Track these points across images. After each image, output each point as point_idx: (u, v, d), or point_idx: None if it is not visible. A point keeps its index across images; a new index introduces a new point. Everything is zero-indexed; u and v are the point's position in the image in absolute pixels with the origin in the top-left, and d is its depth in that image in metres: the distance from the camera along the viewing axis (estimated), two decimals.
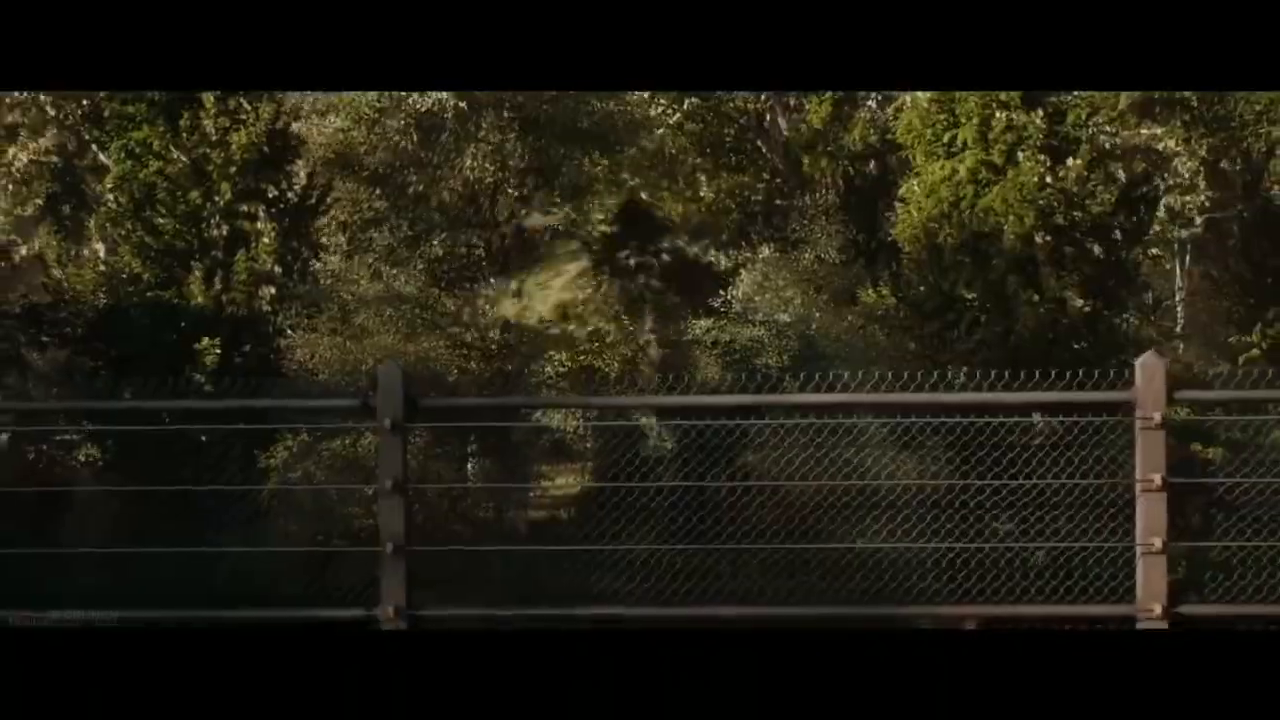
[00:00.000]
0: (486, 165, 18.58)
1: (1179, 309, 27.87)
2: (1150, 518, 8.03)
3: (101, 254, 16.37)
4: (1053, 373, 8.80)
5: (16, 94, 17.36)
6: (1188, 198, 18.58)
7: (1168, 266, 27.67)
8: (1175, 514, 8.13)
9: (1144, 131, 17.81)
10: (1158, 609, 8.04)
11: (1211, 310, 24.00)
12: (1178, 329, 26.60)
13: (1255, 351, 16.49)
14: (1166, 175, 18.41)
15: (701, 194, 19.30)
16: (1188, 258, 25.14)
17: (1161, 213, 18.29)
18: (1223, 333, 20.93)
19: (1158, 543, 8.02)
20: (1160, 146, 18.01)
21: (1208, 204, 19.01)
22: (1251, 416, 9.30)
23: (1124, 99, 17.67)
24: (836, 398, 8.96)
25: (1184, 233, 23.88)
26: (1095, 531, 8.83)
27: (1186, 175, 18.35)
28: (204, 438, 15.46)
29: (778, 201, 18.40)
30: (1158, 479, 8.02)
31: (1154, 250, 15.92)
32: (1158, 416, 7.99)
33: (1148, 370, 8.13)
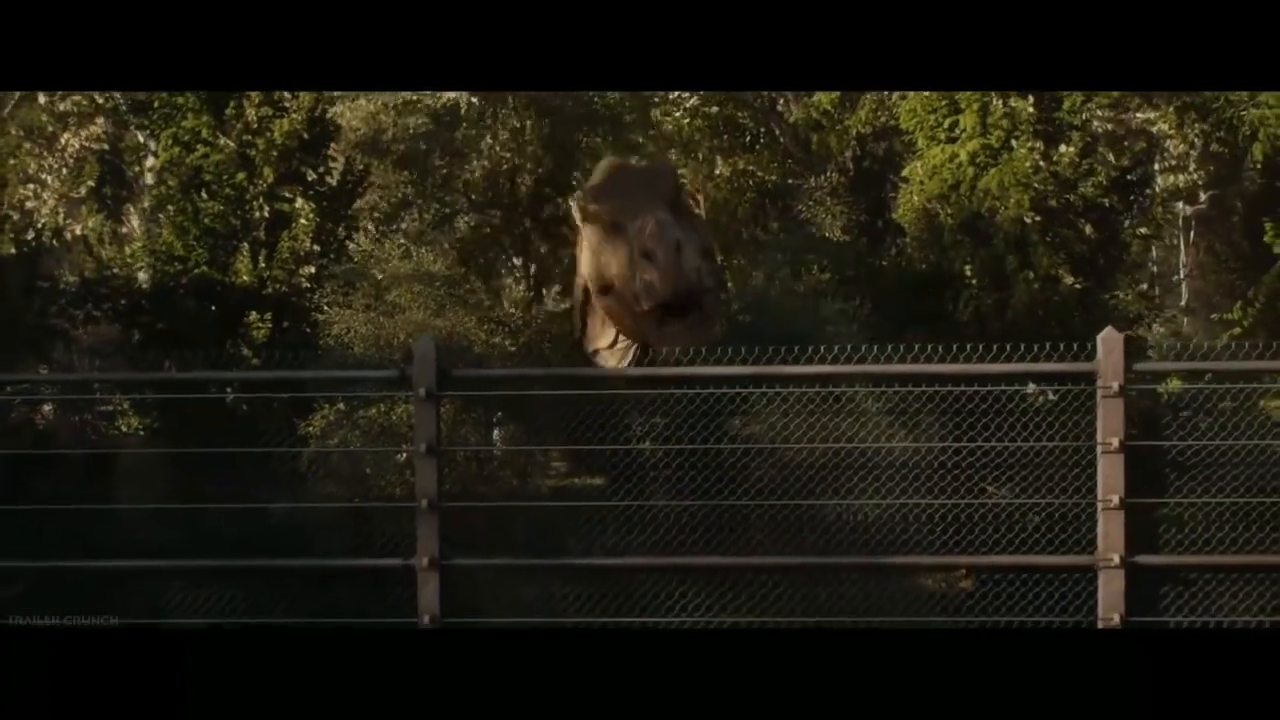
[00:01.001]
0: (505, 151, 19.24)
1: (1183, 285, 28.55)
2: (1109, 476, 8.88)
3: (149, 235, 17.08)
4: (1034, 346, 9.59)
5: None
6: (1178, 178, 19.21)
7: (1172, 243, 28.33)
8: (1134, 473, 8.96)
9: (1139, 116, 18.48)
10: (1116, 558, 8.89)
11: (1217, 285, 24.62)
12: (1183, 303, 27.27)
13: (1237, 329, 17.16)
14: (1160, 157, 19.09)
15: (717, 172, 19.98)
16: (1192, 234, 25.76)
17: (1155, 192, 18.99)
18: (1222, 307, 21.58)
19: (1115, 499, 8.87)
20: (1154, 130, 18.69)
21: (1199, 183, 19.63)
22: (1219, 385, 10.10)
23: None
24: (829, 369, 9.81)
25: (1189, 209, 24.51)
26: (1062, 489, 9.64)
27: (1176, 158, 19.04)
28: (245, 406, 16.33)
29: (790, 181, 19.08)
30: (1115, 441, 8.88)
31: (1142, 230, 16.52)
32: (1115, 385, 8.85)
33: (1107, 344, 8.99)
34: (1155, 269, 29.79)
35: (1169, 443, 9.41)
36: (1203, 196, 22.90)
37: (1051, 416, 10.04)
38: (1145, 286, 25.58)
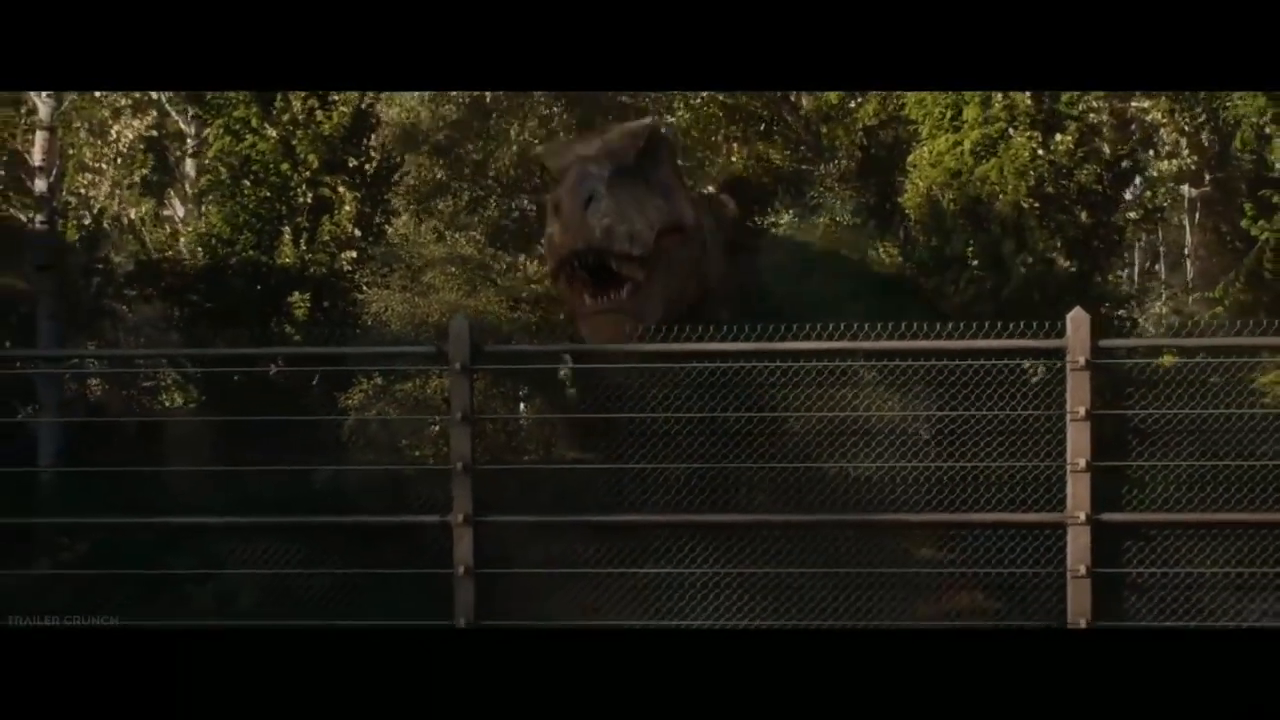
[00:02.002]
0: (534, 139, 19.96)
1: (1188, 264, 29.17)
2: (1076, 442, 9.72)
3: (199, 219, 17.86)
4: (1023, 324, 10.39)
5: None
6: (1172, 164, 19.84)
7: (1179, 223, 28.93)
8: (1099, 439, 9.78)
9: (1134, 105, 19.14)
10: (1082, 516, 9.73)
11: (1220, 265, 25.26)
12: (1189, 281, 27.89)
13: (1219, 308, 17.87)
14: (1154, 145, 19.74)
15: (733, 159, 20.66)
16: (1197, 215, 26.38)
17: (1144, 179, 19.65)
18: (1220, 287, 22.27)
19: (1082, 462, 9.71)
20: (1148, 119, 19.36)
21: (1191, 169, 20.25)
22: (1211, 360, 10.91)
23: None
24: (825, 345, 10.61)
25: (1194, 191, 25.11)
26: (1039, 454, 10.44)
27: (1170, 145, 19.68)
28: (285, 380, 17.11)
29: (804, 167, 19.75)
30: (1082, 410, 9.71)
31: (1131, 215, 17.22)
32: (1082, 360, 9.68)
33: (1075, 322, 9.83)
34: (1163, 249, 30.44)
35: (1130, 411, 10.24)
36: (1207, 179, 23.49)
37: (1045, 389, 10.86)
38: (1148, 265, 26.31)
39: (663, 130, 13.93)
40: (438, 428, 15.25)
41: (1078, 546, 9.72)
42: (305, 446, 16.07)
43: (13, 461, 15.44)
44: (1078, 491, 9.69)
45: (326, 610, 12.04)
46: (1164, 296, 26.28)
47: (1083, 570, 9.65)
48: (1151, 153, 20.21)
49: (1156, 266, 28.35)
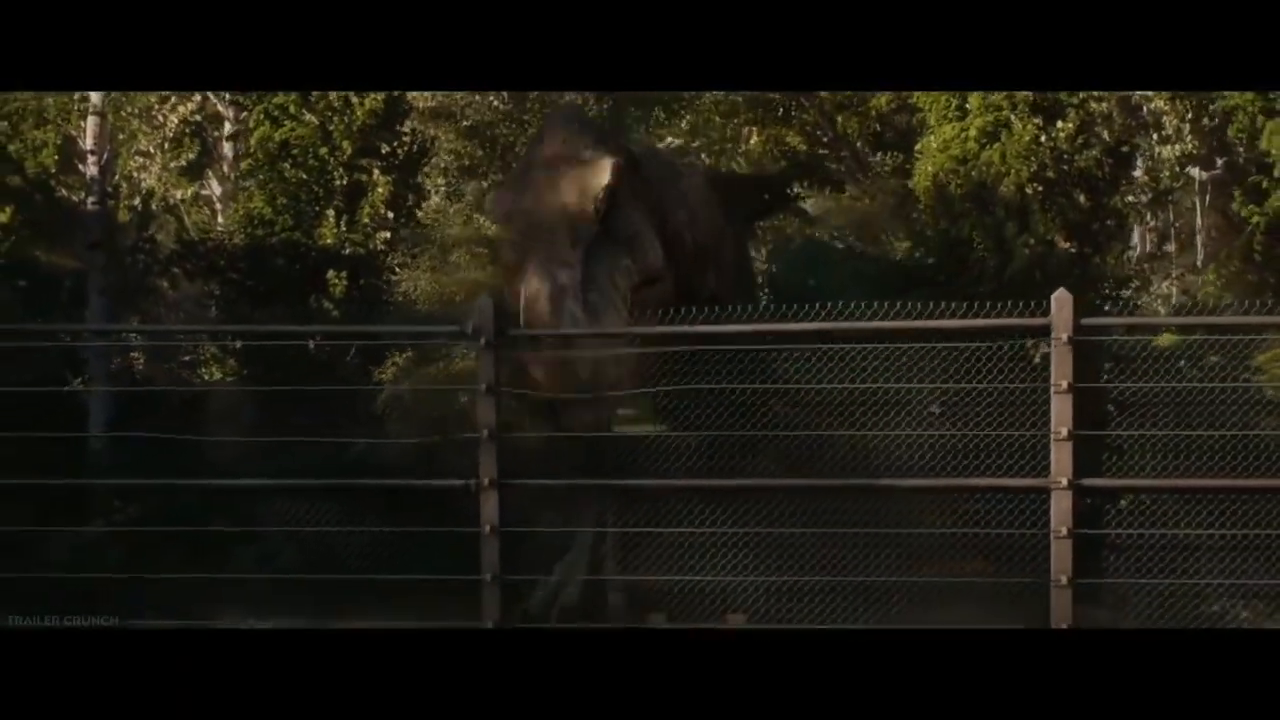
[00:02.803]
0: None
1: (1199, 245, 29.65)
2: (1060, 412, 10.42)
3: (241, 200, 18.57)
4: (1020, 303, 11.03)
5: None
6: (1171, 148, 20.35)
7: (1189, 205, 29.39)
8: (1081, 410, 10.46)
9: (1135, 93, 19.67)
10: (1064, 481, 10.42)
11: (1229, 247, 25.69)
12: (1198, 262, 28.37)
13: (1210, 288, 18.46)
14: (1157, 130, 20.29)
15: (752, 143, 21.33)
16: (1207, 197, 26.84)
17: (1149, 163, 20.23)
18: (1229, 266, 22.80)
19: (1064, 431, 10.40)
20: (1151, 105, 19.92)
21: (1194, 154, 20.77)
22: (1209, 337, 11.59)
23: None
24: (829, 325, 11.29)
25: (1204, 174, 25.57)
26: (1029, 424, 11.10)
27: (1173, 131, 20.21)
28: (320, 354, 17.76)
29: (821, 151, 20.40)
30: (1065, 383, 10.40)
31: (1130, 199, 17.81)
32: (1065, 337, 10.37)
33: (1059, 302, 10.52)
34: (1174, 230, 30.87)
35: (1110, 385, 10.94)
36: (1219, 162, 23.96)
37: (1044, 365, 11.52)
38: (1158, 247, 26.76)
39: (624, 154, 12.80)
40: (466, 399, 15.91)
41: (1060, 509, 10.43)
42: (342, 417, 16.86)
43: (66, 429, 16.31)
44: (1060, 458, 10.40)
45: (363, 567, 12.78)
46: (1173, 276, 26.73)
47: (1064, 531, 10.36)
48: (1155, 137, 20.72)
49: (1167, 247, 28.72)
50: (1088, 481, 10.51)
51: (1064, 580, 10.38)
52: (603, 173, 12.28)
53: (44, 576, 12.18)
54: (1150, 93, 19.63)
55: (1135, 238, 26.92)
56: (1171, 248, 27.80)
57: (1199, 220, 28.68)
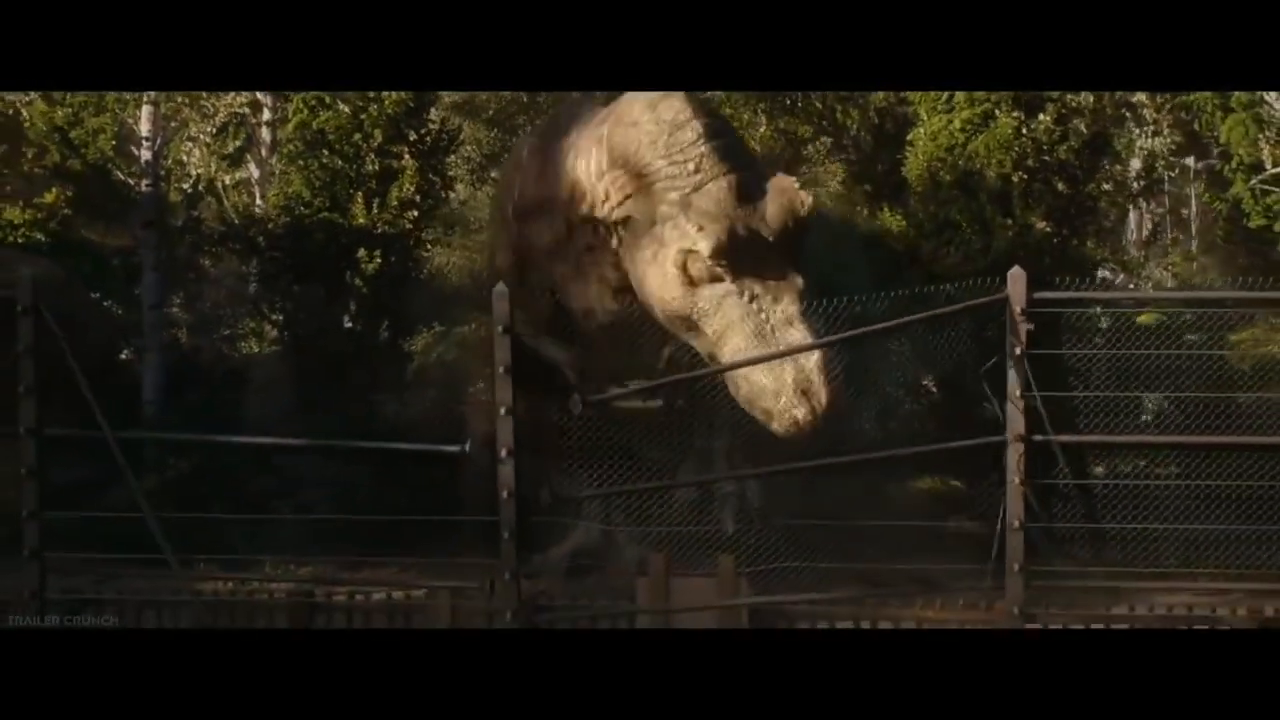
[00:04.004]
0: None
1: (1193, 230, 30.75)
2: (1016, 377, 11.57)
3: (280, 184, 19.44)
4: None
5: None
6: (1154, 141, 21.46)
7: (1184, 193, 30.47)
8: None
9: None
10: (1016, 436, 11.59)
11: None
12: (1193, 249, 29.45)
13: (1179, 269, 19.66)
14: (1138, 124, 21.39)
15: (761, 131, 22.40)
16: (1201, 185, 27.89)
17: (1126, 151, 21.33)
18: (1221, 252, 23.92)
19: (1019, 393, 11.56)
20: (1133, 99, 21.01)
21: (1174, 147, 21.89)
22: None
23: None
24: None
25: (1200, 163, 26.61)
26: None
27: (1153, 123, 21.33)
28: (357, 327, 18.99)
29: (823, 139, 21.53)
30: (1017, 350, 11.54)
31: (1106, 187, 18.92)
32: (1018, 309, 11.51)
33: (1014, 279, 11.60)
34: (1186, 214, 31.89)
35: (1059, 351, 12.18)
36: (1215, 151, 24.99)
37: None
38: (1146, 234, 27.83)
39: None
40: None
41: (1015, 460, 11.58)
42: (374, 386, 18.13)
43: (122, 395, 17.58)
44: (1014, 417, 11.57)
45: (393, 520, 13.95)
46: (1164, 261, 27.82)
47: (1017, 481, 11.53)
48: (1136, 132, 21.83)
49: (1162, 233, 29.78)
50: (1038, 437, 11.63)
51: (1016, 524, 11.48)
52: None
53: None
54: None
55: (1131, 224, 28.03)
56: (1165, 233, 28.92)
57: (1194, 208, 29.81)
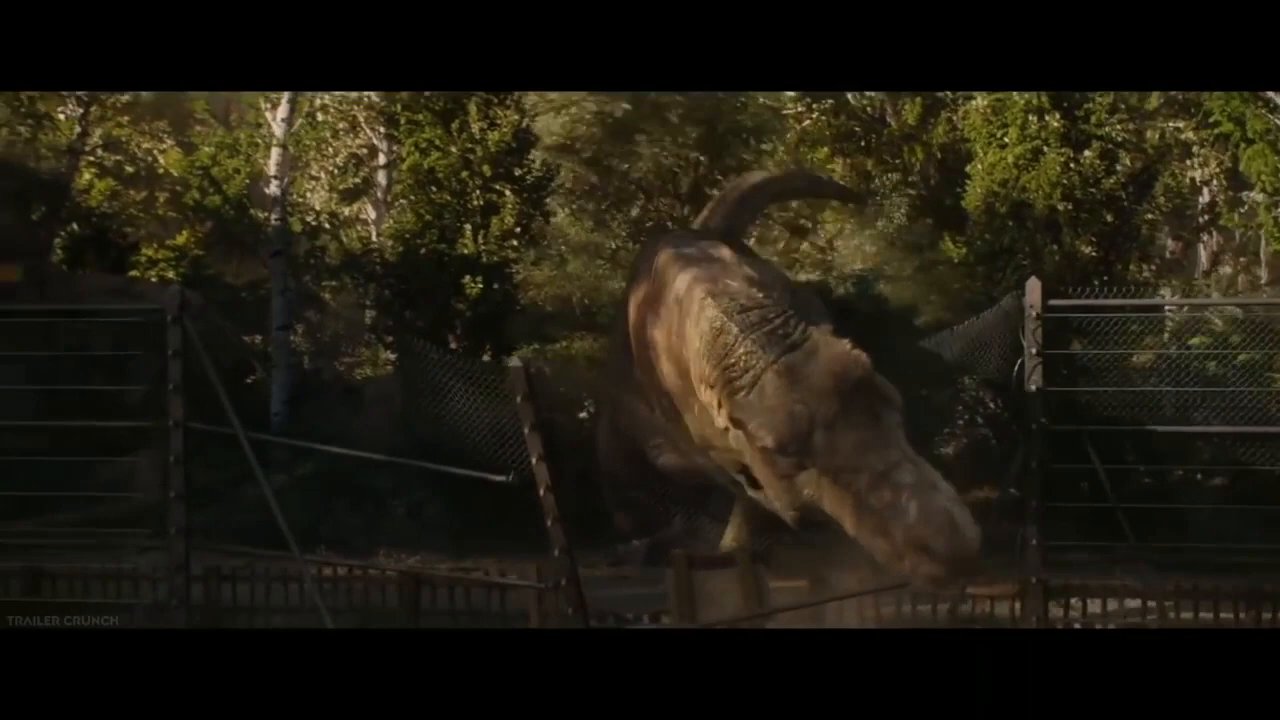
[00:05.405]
0: (666, 152, 23.04)
1: (1263, 262, 31.52)
2: (1030, 369, 12.98)
3: (393, 218, 21.02)
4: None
5: (335, 103, 22.37)
6: (1199, 171, 22.70)
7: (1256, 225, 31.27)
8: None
9: (1169, 124, 22.04)
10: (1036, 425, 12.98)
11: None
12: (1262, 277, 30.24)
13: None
14: (1185, 156, 22.61)
15: (837, 171, 23.87)
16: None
17: (1170, 185, 22.47)
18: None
19: (1035, 386, 12.95)
20: (1183, 137, 22.19)
21: (1212, 177, 23.07)
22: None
23: (1157, 95, 21.95)
24: None
25: (1260, 196, 27.62)
26: None
27: (1199, 158, 22.55)
28: (459, 347, 20.46)
29: (889, 176, 22.95)
30: (1034, 349, 12.98)
31: (1149, 216, 20.19)
32: (1034, 313, 12.95)
33: (1031, 289, 13.06)
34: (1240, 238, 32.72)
35: (1070, 352, 13.60)
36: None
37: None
38: (1217, 259, 28.76)
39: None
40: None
41: (1034, 444, 12.95)
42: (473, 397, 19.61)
43: (252, 406, 19.30)
44: (1031, 405, 12.98)
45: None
46: (1237, 282, 28.64)
47: (1035, 464, 12.91)
48: (1189, 162, 23.08)
49: (1227, 259, 30.58)
50: (1056, 427, 13.03)
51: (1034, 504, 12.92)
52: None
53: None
54: (1182, 124, 21.99)
55: (1201, 255, 29.04)
56: (1229, 259, 29.80)
57: (1263, 241, 30.67)
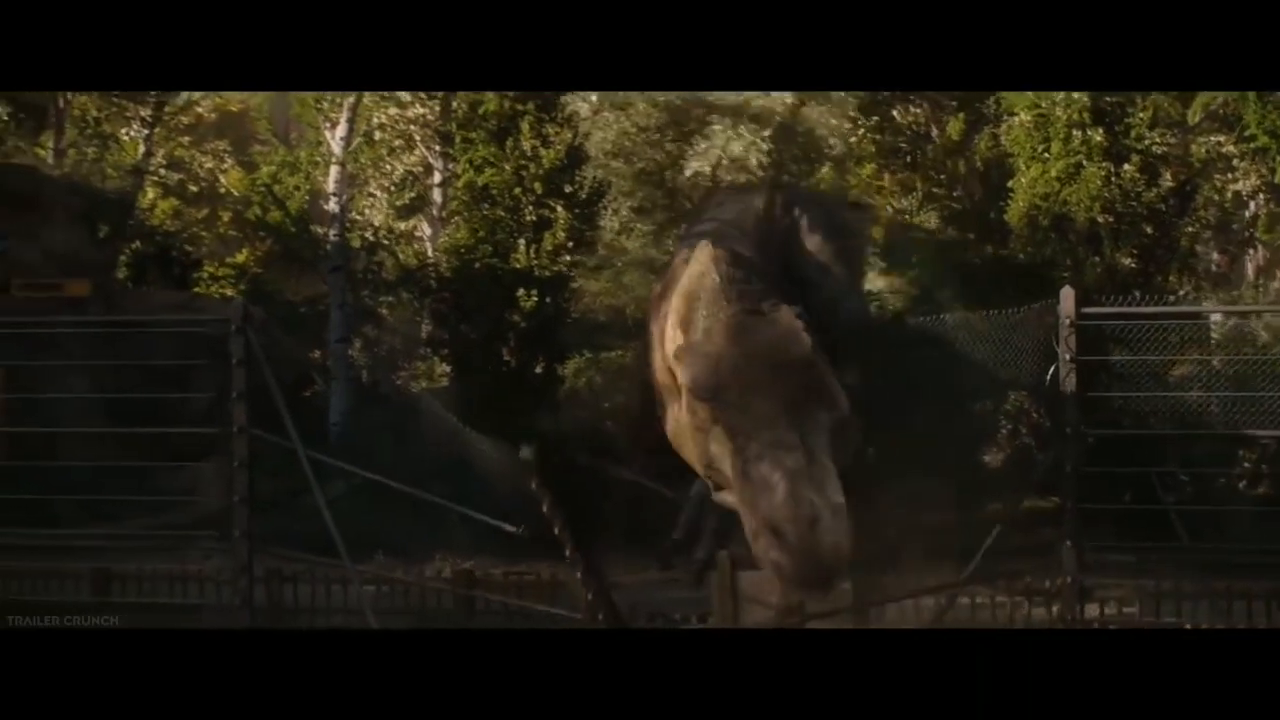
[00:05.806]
0: (717, 169, 23.49)
1: None
2: (1066, 374, 13.29)
3: (449, 234, 21.44)
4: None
5: (387, 121, 22.92)
6: (1241, 183, 22.91)
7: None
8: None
9: (1211, 139, 22.29)
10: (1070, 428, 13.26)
11: None
12: None
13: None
14: (1227, 169, 22.80)
15: (883, 183, 24.26)
16: None
17: (1213, 198, 22.67)
18: None
19: (1069, 391, 13.26)
20: (1224, 150, 22.40)
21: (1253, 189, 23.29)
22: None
23: (1198, 110, 22.19)
24: None
25: None
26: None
27: (1240, 171, 22.76)
28: (512, 361, 20.97)
29: (934, 190, 23.31)
30: (1069, 356, 13.29)
31: (1190, 229, 20.41)
32: (1067, 322, 13.27)
33: (1065, 296, 13.36)
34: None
35: (1103, 358, 13.92)
36: None
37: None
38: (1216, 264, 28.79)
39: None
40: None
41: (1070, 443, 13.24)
42: (530, 406, 20.18)
43: (312, 418, 19.83)
44: (1065, 408, 13.28)
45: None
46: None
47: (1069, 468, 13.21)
48: (1230, 175, 23.28)
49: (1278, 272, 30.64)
50: (1086, 431, 13.34)
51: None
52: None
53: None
54: (1223, 139, 22.24)
55: (1249, 270, 29.15)
56: (1278, 280, 29.87)
57: None
